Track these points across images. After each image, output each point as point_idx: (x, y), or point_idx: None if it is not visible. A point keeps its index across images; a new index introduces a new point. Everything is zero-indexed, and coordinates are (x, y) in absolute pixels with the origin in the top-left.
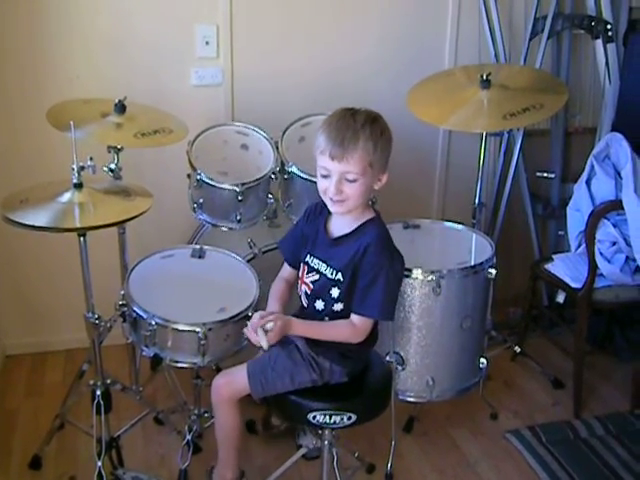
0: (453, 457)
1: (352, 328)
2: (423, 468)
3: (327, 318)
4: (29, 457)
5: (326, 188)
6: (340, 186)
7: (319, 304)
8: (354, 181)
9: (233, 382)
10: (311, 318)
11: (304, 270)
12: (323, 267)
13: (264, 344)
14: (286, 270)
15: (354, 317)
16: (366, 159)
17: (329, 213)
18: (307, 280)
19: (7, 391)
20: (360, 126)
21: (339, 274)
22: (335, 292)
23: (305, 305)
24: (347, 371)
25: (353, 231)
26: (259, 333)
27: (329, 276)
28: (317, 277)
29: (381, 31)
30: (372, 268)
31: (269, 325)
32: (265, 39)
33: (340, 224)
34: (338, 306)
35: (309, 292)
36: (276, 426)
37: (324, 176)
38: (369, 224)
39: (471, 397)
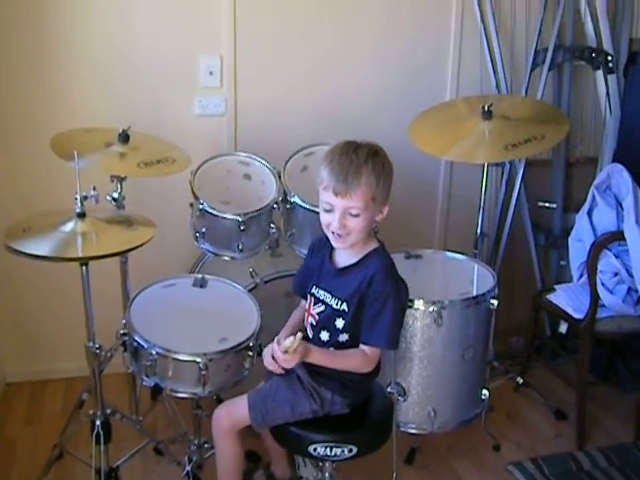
0: None
1: (364, 357)
2: None
3: (332, 349)
4: None
5: (329, 222)
6: (343, 221)
7: (324, 335)
8: (357, 216)
9: (234, 413)
10: None
11: (310, 302)
12: (328, 298)
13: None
14: (303, 302)
15: (363, 347)
16: (369, 194)
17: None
18: (313, 312)
19: (6, 419)
20: (363, 161)
21: (344, 304)
22: (340, 323)
23: (310, 336)
24: (348, 402)
25: (358, 261)
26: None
27: (334, 307)
28: (323, 308)
29: (384, 63)
30: (378, 297)
31: (288, 341)
32: (268, 70)
33: (345, 255)
34: (343, 337)
35: (315, 323)
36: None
37: (327, 210)
38: (373, 254)
39: (473, 428)
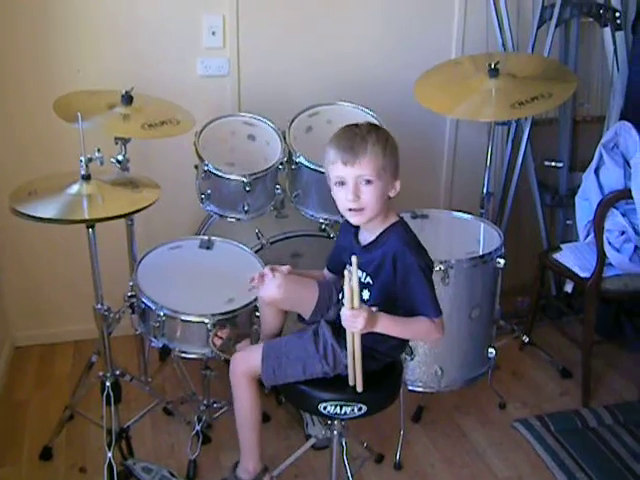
0: (461, 446)
1: (431, 324)
2: (431, 457)
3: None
4: (39, 448)
5: (344, 198)
6: (357, 191)
7: None
8: (369, 183)
9: (249, 359)
10: None
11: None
12: (359, 272)
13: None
14: (326, 271)
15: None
16: (377, 162)
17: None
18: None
19: (17, 383)
20: (366, 132)
21: (368, 278)
22: (365, 294)
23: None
24: (364, 369)
25: (377, 238)
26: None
27: (362, 280)
28: None
29: (388, 21)
30: (409, 272)
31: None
32: (271, 29)
33: (367, 232)
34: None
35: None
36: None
37: (341, 184)
38: (391, 231)
39: (479, 387)
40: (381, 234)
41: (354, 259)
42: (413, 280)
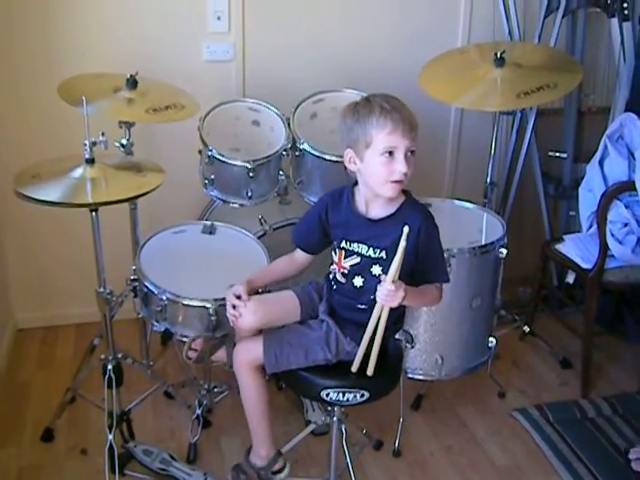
0: (460, 435)
1: (438, 292)
2: (430, 445)
3: (367, 294)
4: (41, 430)
5: (392, 170)
6: (407, 161)
7: (358, 280)
8: (413, 154)
9: (251, 348)
10: (350, 294)
11: (341, 255)
12: (364, 249)
13: None
14: (298, 253)
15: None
16: (417, 134)
17: (351, 197)
18: (345, 264)
19: (19, 365)
20: (403, 104)
21: (382, 252)
22: (377, 269)
23: (343, 282)
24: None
25: (395, 212)
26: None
27: (372, 255)
28: (358, 260)
29: (394, 8)
30: (431, 244)
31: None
32: (277, 14)
33: (379, 206)
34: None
35: (347, 272)
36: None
37: (390, 154)
38: (408, 205)
39: (479, 376)
40: (399, 209)
41: (406, 229)
42: (434, 251)
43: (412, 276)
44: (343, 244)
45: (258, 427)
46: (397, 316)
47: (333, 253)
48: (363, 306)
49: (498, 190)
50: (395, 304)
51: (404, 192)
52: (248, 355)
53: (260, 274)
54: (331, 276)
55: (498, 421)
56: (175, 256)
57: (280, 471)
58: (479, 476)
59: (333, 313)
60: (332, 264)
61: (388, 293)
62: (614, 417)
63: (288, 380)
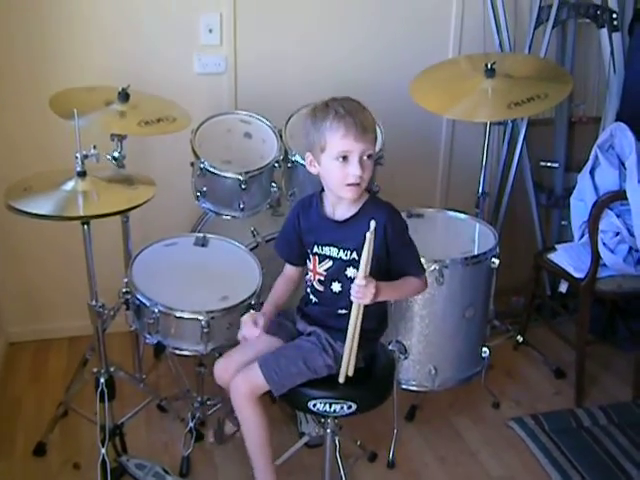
0: (455, 445)
1: (419, 282)
2: (425, 456)
3: (346, 298)
4: (33, 444)
5: (346, 174)
6: (363, 165)
7: (336, 286)
8: (370, 158)
9: (250, 376)
10: (329, 302)
11: (315, 261)
12: (335, 251)
13: None
14: (287, 268)
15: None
16: (375, 137)
17: (320, 202)
18: (320, 269)
19: (11, 378)
20: (362, 107)
21: (354, 253)
22: (351, 272)
23: (322, 290)
24: (363, 355)
25: (359, 211)
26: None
27: (343, 258)
28: (330, 263)
29: (386, 20)
30: (399, 237)
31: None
32: (269, 27)
33: (344, 207)
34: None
35: (323, 278)
36: (229, 435)
37: (344, 158)
38: (370, 203)
39: (473, 386)
40: (362, 208)
41: (372, 224)
42: (404, 242)
43: (389, 275)
44: (316, 249)
45: (260, 459)
46: (379, 317)
47: (308, 261)
48: (343, 311)
49: (490, 200)
50: (367, 300)
51: (368, 192)
52: (248, 384)
53: (269, 306)
54: (309, 289)
55: (493, 431)
56: (167, 268)
57: None
58: None
59: (316, 324)
60: (307, 274)
61: (359, 289)
62: (610, 426)
63: None
